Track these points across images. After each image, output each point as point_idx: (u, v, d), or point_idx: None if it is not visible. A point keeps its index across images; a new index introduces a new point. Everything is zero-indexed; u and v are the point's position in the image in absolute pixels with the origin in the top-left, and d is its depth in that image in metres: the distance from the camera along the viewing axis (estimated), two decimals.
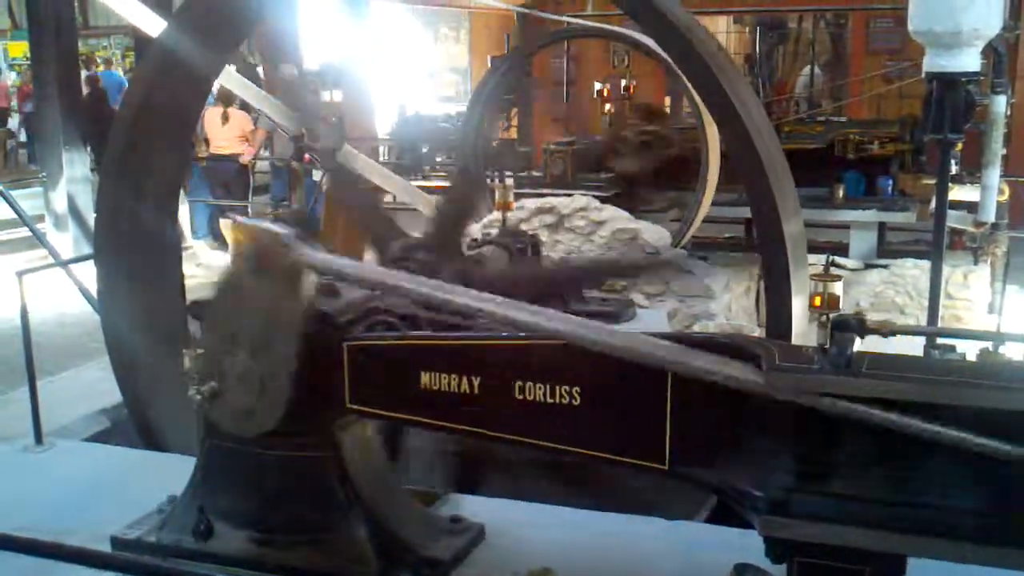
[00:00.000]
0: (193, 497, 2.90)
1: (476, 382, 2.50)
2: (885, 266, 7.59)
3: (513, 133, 16.23)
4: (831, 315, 2.18)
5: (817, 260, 3.39)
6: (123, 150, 4.01)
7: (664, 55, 7.35)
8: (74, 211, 10.70)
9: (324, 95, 12.30)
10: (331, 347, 2.64)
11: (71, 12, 11.05)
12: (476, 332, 2.65)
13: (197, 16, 3.93)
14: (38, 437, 4.27)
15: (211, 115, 12.31)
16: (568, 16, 10.31)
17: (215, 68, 4.38)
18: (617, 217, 6.59)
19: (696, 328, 5.91)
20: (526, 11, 12.72)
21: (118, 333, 4.06)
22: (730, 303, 6.54)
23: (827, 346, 2.08)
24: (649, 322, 4.83)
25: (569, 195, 6.81)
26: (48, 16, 10.35)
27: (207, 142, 12.56)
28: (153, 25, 6.53)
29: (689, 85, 7.07)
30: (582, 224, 6.51)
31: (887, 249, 8.92)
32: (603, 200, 6.72)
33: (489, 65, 12.76)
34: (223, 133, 12.44)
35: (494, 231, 5.02)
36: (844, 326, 2.08)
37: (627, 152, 8.37)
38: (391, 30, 22.21)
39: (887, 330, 2.12)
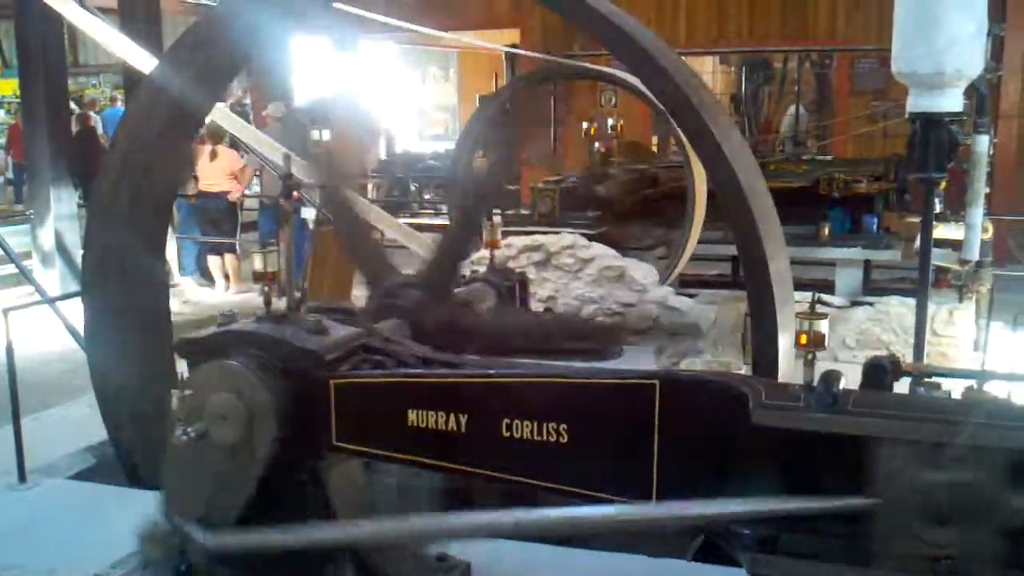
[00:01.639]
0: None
1: (463, 420, 2.50)
2: (871, 304, 7.62)
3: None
4: (845, 349, 2.19)
5: (803, 297, 3.40)
6: (112, 187, 4.01)
7: (650, 94, 7.42)
8: (61, 248, 10.71)
9: (313, 133, 12.36)
10: (318, 385, 2.64)
11: (61, 50, 11.10)
12: (463, 370, 2.65)
13: (188, 53, 3.94)
14: (22, 475, 4.25)
15: (199, 153, 12.33)
16: (556, 55, 10.39)
17: (206, 105, 4.39)
18: (604, 254, 6.61)
19: (683, 365, 5.93)
20: (514, 51, 12.84)
21: (104, 371, 4.04)
22: (717, 340, 6.56)
23: (813, 384, 2.09)
24: (635, 359, 4.82)
25: (557, 233, 6.85)
26: (38, 54, 10.39)
27: (195, 179, 12.58)
28: (144, 62, 6.56)
29: (675, 124, 7.15)
30: (570, 261, 6.53)
31: (872, 287, 8.97)
32: (590, 238, 6.75)
33: (477, 104, 12.82)
34: (211, 170, 12.46)
35: (482, 268, 5.02)
36: (878, 367, 2.10)
37: (614, 189, 8.41)
38: (380, 70, 22.35)
39: (922, 371, 2.14)
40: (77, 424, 4.92)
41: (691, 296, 7.43)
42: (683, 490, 2.28)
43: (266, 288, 2.86)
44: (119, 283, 4.01)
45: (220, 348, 2.71)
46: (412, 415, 2.54)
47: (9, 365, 4.28)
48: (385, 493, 3.18)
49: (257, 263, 2.83)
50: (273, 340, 2.66)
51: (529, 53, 11.63)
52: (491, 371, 2.59)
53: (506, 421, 2.44)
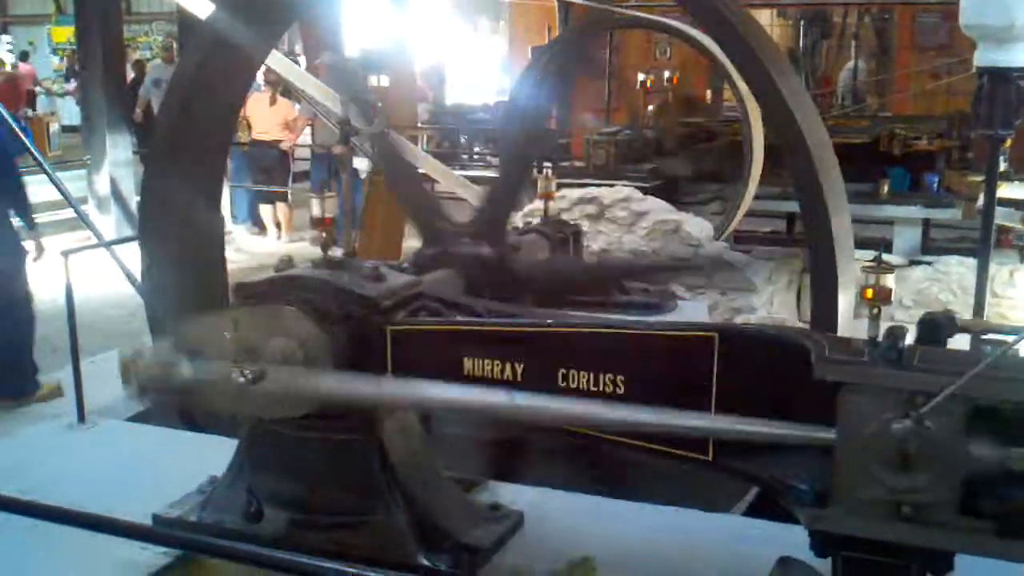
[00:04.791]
0: (235, 478, 2.92)
1: (519, 369, 2.49)
2: (929, 263, 7.49)
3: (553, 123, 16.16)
4: (901, 308, 2.15)
5: (861, 256, 3.35)
6: (169, 133, 4.02)
7: (708, 46, 7.31)
8: (116, 194, 10.83)
9: (371, 80, 12.31)
10: (374, 331, 2.64)
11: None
12: (520, 319, 2.64)
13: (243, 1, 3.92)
14: (81, 416, 4.32)
15: (256, 100, 12.35)
16: (610, 5, 10.23)
17: (262, 52, 4.38)
18: (659, 208, 6.55)
19: (737, 321, 5.87)
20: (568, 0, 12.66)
21: (160, 314, 4.07)
22: (772, 297, 6.48)
23: (878, 339, 2.05)
24: (690, 314, 4.79)
25: (611, 185, 6.78)
26: (94, 2, 10.45)
27: (249, 127, 12.62)
28: (201, 8, 6.56)
29: (735, 77, 7.03)
30: (624, 215, 6.47)
31: (931, 246, 8.82)
32: (645, 191, 6.68)
33: (530, 56, 12.70)
34: (267, 119, 12.48)
35: (535, 220, 5.00)
36: (934, 323, 2.05)
37: (670, 144, 8.32)
38: (431, 20, 22.23)
39: (979, 328, 2.09)
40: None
41: (746, 252, 7.35)
42: (740, 444, 2.26)
43: (323, 234, 2.87)
44: (175, 228, 4.02)
45: (278, 293, 2.72)
46: (468, 363, 2.54)
47: (68, 308, 4.33)
48: (439, 443, 3.18)
49: (315, 209, 2.83)
50: (331, 286, 2.67)
51: (583, 2, 11.45)
52: (548, 321, 2.57)
53: (562, 371, 2.42)
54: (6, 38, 25.18)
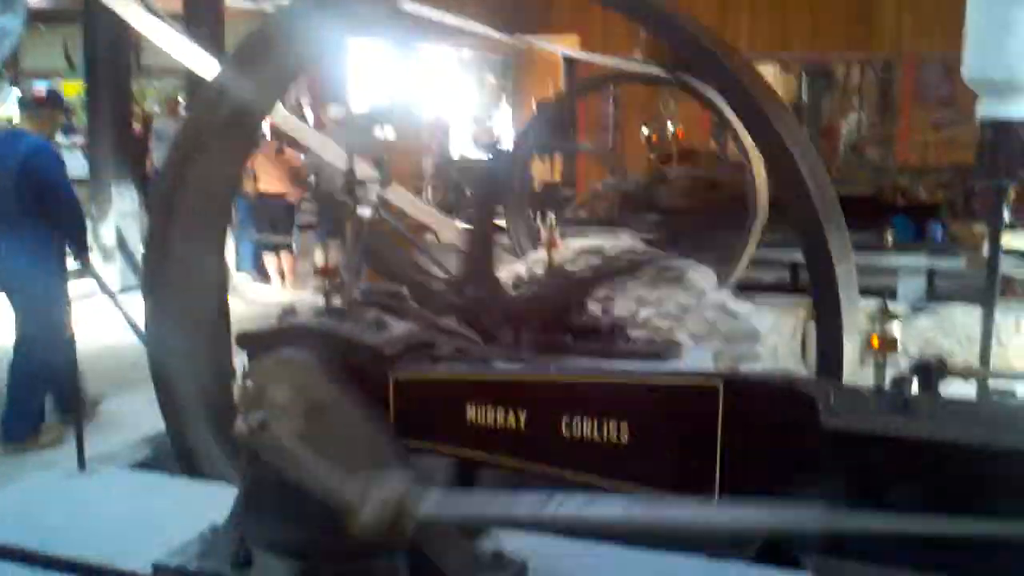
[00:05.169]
0: (234, 526, 2.89)
1: (523, 417, 2.47)
2: (934, 311, 7.48)
3: (557, 176, 16.26)
4: (906, 357, 2.14)
5: (866, 304, 3.35)
6: (172, 187, 4.05)
7: (712, 99, 7.36)
8: (122, 244, 10.90)
9: (377, 132, 12.40)
10: (378, 380, 2.63)
11: (127, 54, 11.31)
12: (523, 367, 2.62)
13: (250, 56, 3.98)
14: (82, 464, 4.29)
15: (263, 152, 12.47)
16: (614, 60, 10.33)
17: (267, 108, 4.43)
18: (661, 258, 6.55)
19: (741, 370, 5.84)
20: (572, 55, 12.80)
21: (163, 364, 4.07)
22: (776, 346, 6.47)
23: (884, 387, 2.03)
24: (694, 362, 4.77)
25: (615, 235, 6.80)
26: (104, 57, 10.59)
27: (255, 179, 12.71)
28: (205, 66, 6.63)
29: (739, 128, 7.08)
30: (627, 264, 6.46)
31: (936, 295, 8.81)
32: (649, 242, 6.71)
33: (534, 109, 12.82)
34: (273, 172, 12.58)
35: (539, 270, 5.01)
36: (924, 368, 2.04)
37: (673, 194, 8.36)
38: (437, 75, 22.45)
39: (971, 374, 2.08)
40: (135, 415, 4.97)
41: (750, 301, 7.33)
42: (746, 494, 2.23)
43: (325, 282, 2.87)
44: (179, 280, 4.04)
45: (280, 341, 2.71)
46: (471, 411, 2.52)
47: (70, 357, 4.32)
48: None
49: (318, 257, 2.83)
50: (333, 334, 2.66)
51: (589, 57, 11.58)
52: (551, 368, 2.56)
53: (565, 419, 2.40)
54: (16, 91, 25.41)
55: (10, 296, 6.53)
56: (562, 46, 14.39)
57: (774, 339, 6.47)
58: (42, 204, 6.55)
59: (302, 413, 2.61)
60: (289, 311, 2.87)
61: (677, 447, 2.31)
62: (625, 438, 2.36)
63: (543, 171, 18.73)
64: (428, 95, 19.40)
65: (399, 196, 8.64)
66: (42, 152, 6.79)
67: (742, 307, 6.31)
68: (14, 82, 27.32)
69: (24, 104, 7.01)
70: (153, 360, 4.20)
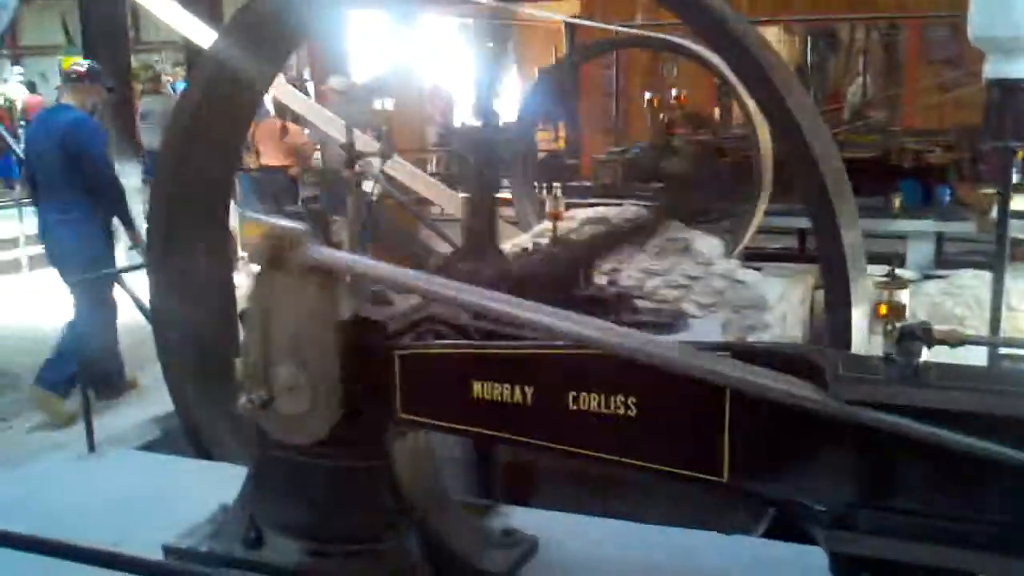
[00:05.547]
0: (244, 506, 2.89)
1: (529, 392, 2.45)
2: (943, 277, 7.43)
3: (560, 144, 16.21)
4: (897, 324, 2.11)
5: (874, 271, 3.32)
6: (175, 160, 4.03)
7: (715, 64, 7.29)
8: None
9: (375, 104, 12.33)
10: (382, 356, 2.61)
11: (124, 27, 11.23)
12: (529, 340, 2.60)
13: (247, 28, 3.92)
14: (91, 445, 4.30)
15: (267, 128, 12.43)
16: (616, 25, 10.24)
17: (265, 79, 4.39)
18: (668, 226, 6.50)
19: (750, 339, 5.82)
20: (574, 21, 12.71)
21: (169, 342, 4.06)
22: (785, 314, 6.43)
23: (893, 356, 2.01)
24: (702, 332, 4.75)
25: (619, 205, 6.74)
26: (102, 31, 10.53)
27: (257, 154, 12.66)
28: (205, 37, 6.59)
29: (742, 93, 7.01)
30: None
31: (945, 260, 8.76)
32: (653, 210, 6.65)
33: (536, 77, 12.74)
34: (275, 145, 12.53)
35: (544, 240, 4.99)
36: (909, 335, 2.01)
37: (678, 161, 8.29)
38: (438, 44, 22.34)
39: (955, 340, 2.05)
40: (143, 395, 4.98)
41: (757, 269, 7.31)
42: (756, 465, 2.22)
43: None
44: (183, 257, 4.03)
45: None
46: (477, 387, 2.50)
47: (77, 337, 4.32)
48: (449, 467, 3.14)
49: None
50: None
51: (590, 23, 11.49)
52: (557, 343, 2.54)
53: (572, 394, 2.39)
54: (17, 69, 25.37)
55: (60, 269, 6.71)
56: (561, 13, 14.30)
57: (783, 307, 6.43)
58: (81, 176, 6.77)
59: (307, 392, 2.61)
60: None
61: (685, 419, 2.30)
62: (633, 412, 2.35)
63: (546, 140, 18.69)
64: (429, 64, 19.31)
65: (401, 169, 8.60)
66: (81, 125, 6.96)
67: (750, 276, 6.28)
68: (15, 60, 27.29)
69: (66, 79, 7.14)
70: (159, 337, 4.19)
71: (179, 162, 3.99)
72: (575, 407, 2.39)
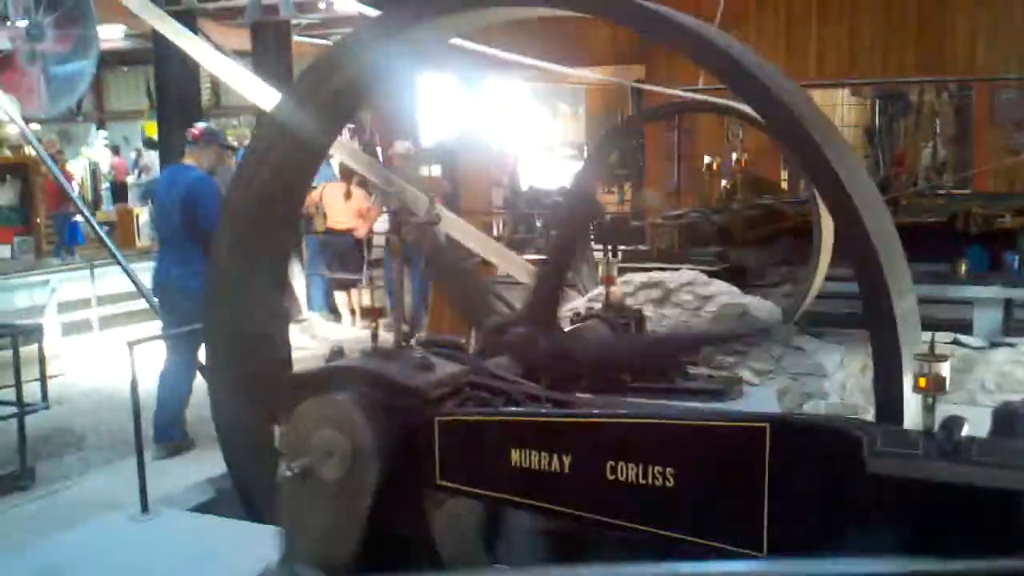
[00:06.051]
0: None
1: (567, 460, 2.44)
2: (1012, 344, 7.24)
3: (626, 207, 16.22)
4: (984, 392, 2.07)
5: (941, 338, 3.24)
6: (234, 223, 4.05)
7: None
8: None
9: (422, 169, 12.47)
10: (422, 422, 2.62)
11: (196, 92, 11.57)
12: (568, 409, 2.59)
13: (308, 90, 3.94)
14: (144, 506, 4.36)
15: (333, 191, 12.61)
16: (679, 89, 10.28)
17: (325, 142, 4.42)
18: (725, 292, 6.45)
19: (807, 407, 5.72)
20: (637, 85, 12.79)
21: (223, 404, 4.09)
22: (845, 381, 6.32)
23: (933, 430, 1.97)
24: (757, 401, 4.65)
25: (676, 269, 6.71)
26: (174, 97, 10.85)
27: (325, 216, 12.84)
28: (268, 102, 6.73)
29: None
30: (689, 298, 6.37)
31: (1014, 327, 8.54)
32: (711, 274, 6.58)
33: (601, 138, 12.81)
34: (342, 208, 12.70)
35: (598, 305, 4.97)
36: (1008, 413, 1.99)
37: (737, 224, 8.21)
38: (508, 106, 22.56)
39: None
40: (198, 457, 5.04)
41: (817, 336, 7.19)
42: (795, 540, 2.18)
43: (373, 323, 2.87)
44: (237, 320, 4.05)
45: (327, 383, 2.72)
46: (516, 454, 2.50)
47: (133, 399, 4.40)
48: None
49: (365, 298, 2.83)
50: (378, 376, 2.66)
51: (653, 87, 11.55)
52: (595, 411, 2.53)
53: (610, 463, 2.37)
54: (103, 133, 26.15)
55: (169, 313, 7.05)
56: (628, 77, 14.40)
57: (842, 375, 6.31)
58: (197, 231, 7.25)
59: (347, 458, 2.61)
60: (337, 352, 2.88)
61: (723, 492, 2.26)
62: (671, 483, 2.32)
63: (612, 203, 18.73)
64: (497, 127, 19.48)
65: (463, 231, 8.66)
66: (200, 184, 7.51)
67: (808, 343, 6.19)
68: (100, 125, 28.18)
69: (188, 142, 7.61)
70: (213, 399, 4.22)
71: (239, 223, 4.00)
72: (613, 477, 2.37)
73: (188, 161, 7.75)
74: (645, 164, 14.91)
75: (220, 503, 4.57)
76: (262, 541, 3.65)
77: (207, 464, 4.76)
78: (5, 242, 16.94)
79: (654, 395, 4.23)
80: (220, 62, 7.00)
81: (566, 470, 2.44)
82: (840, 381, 6.20)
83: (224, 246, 4.09)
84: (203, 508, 4.53)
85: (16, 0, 9.33)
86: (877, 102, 19.38)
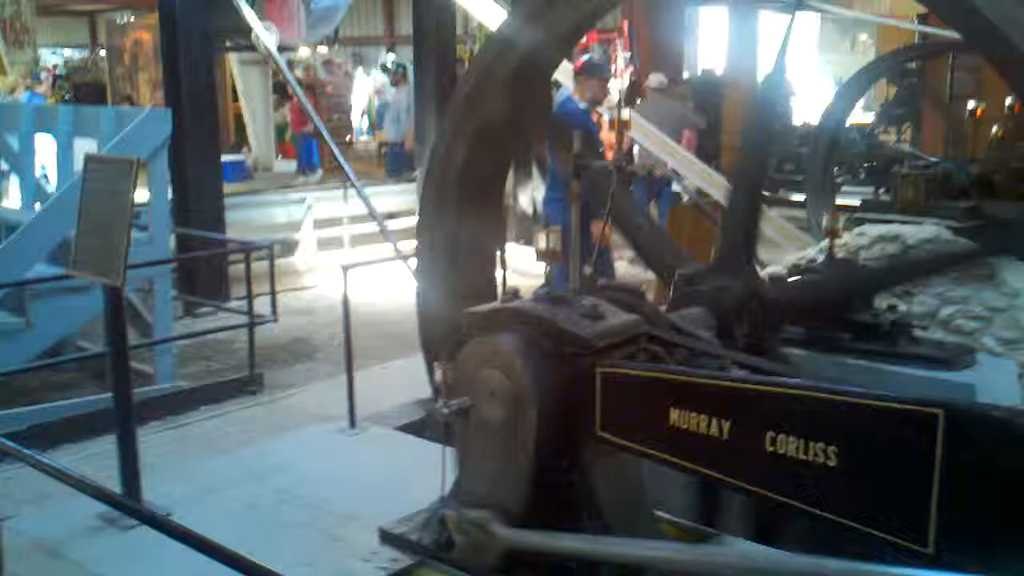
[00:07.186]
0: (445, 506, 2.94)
1: (726, 426, 2.33)
2: None
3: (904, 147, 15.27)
4: None
5: None
6: (448, 147, 3.91)
7: None
8: None
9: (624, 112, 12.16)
10: (584, 372, 2.57)
11: (452, 31, 11.79)
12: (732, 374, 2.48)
13: (537, 8, 3.64)
14: (352, 421, 4.56)
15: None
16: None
17: (553, 63, 4.20)
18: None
19: None
20: (920, 28, 11.91)
21: (429, 327, 4.12)
22: None
23: None
24: (991, 373, 4.23)
25: (918, 223, 6.18)
26: (430, 33, 11.09)
27: None
28: (493, 21, 6.81)
29: None
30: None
31: None
32: (957, 232, 6.02)
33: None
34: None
35: (820, 258, 4.73)
36: None
37: (1000, 180, 7.49)
38: (795, 39, 21.66)
39: None
40: (417, 376, 5.15)
41: None
42: (964, 536, 1.99)
43: (548, 267, 2.82)
44: (448, 246, 4.03)
45: (498, 323, 2.71)
46: (674, 414, 2.41)
47: (345, 318, 4.58)
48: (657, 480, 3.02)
49: (540, 242, 2.79)
50: (543, 321, 2.62)
51: (930, 29, 10.71)
52: (760, 378, 2.40)
53: (770, 434, 2.24)
54: (391, 56, 26.61)
55: None
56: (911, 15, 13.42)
57: None
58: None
59: (507, 400, 2.60)
60: (512, 293, 2.86)
61: (890, 478, 2.09)
62: (833, 461, 2.17)
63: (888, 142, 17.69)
64: (777, 61, 18.66)
65: (653, 141, 8.48)
66: (563, 110, 7.67)
67: None
68: (390, 48, 28.77)
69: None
70: (421, 324, 4.26)
71: (452, 145, 3.87)
72: (771, 448, 2.24)
73: (572, 94, 7.79)
74: (921, 105, 13.91)
75: (428, 425, 4.70)
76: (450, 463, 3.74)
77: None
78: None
79: (871, 358, 3.96)
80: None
81: (724, 436, 2.33)
82: None
83: (437, 176, 4.00)
84: (409, 428, 4.67)
85: None
86: None
